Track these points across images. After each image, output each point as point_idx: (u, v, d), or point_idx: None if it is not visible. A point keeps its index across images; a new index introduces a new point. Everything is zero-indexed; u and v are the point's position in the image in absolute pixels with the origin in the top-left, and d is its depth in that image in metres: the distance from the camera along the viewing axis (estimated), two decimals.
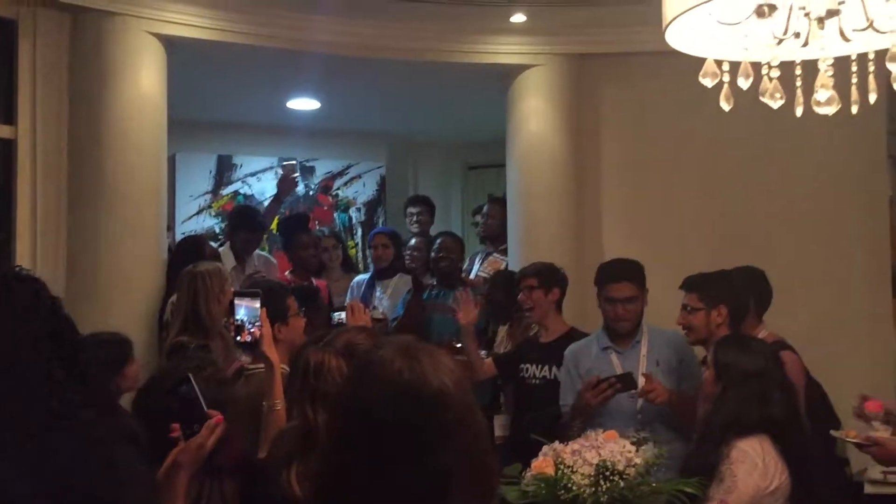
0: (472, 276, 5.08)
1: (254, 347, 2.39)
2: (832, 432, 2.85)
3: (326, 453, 1.22)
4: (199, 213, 6.38)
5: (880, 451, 2.69)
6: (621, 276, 3.31)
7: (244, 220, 4.81)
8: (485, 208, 5.39)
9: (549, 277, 3.72)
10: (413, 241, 5.15)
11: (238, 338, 2.39)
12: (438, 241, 4.73)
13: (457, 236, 4.93)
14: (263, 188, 6.57)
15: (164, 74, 4.15)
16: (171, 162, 5.65)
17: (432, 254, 4.70)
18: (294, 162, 4.86)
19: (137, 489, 1.36)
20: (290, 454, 1.71)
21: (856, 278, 4.35)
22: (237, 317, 2.36)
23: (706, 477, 2.39)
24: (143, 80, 4.05)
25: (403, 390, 1.14)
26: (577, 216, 4.77)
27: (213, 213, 6.42)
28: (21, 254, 3.76)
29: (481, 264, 5.23)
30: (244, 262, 4.61)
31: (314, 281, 4.73)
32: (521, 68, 4.76)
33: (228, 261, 4.39)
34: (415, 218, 5.49)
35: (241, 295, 2.46)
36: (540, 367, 3.65)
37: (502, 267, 4.85)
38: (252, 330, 2.34)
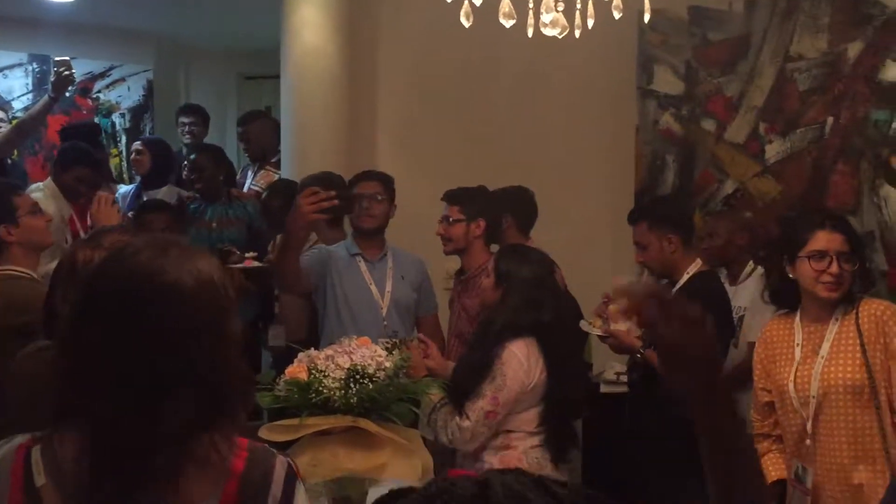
0: (245, 188, 4.98)
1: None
2: (582, 323, 3.15)
3: (61, 348, 1.21)
4: None
5: (615, 343, 3.04)
6: (372, 175, 3.49)
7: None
8: (239, 130, 5.21)
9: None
10: (185, 150, 4.98)
11: None
12: (192, 157, 4.55)
13: (213, 149, 4.75)
14: (11, 86, 5.97)
15: None
16: None
17: (188, 173, 4.51)
18: (67, 58, 4.40)
19: None
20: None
21: (603, 203, 4.70)
22: None
23: (479, 376, 2.61)
24: None
25: (137, 275, 1.14)
26: (350, 130, 4.76)
27: None
28: None
29: (254, 177, 5.13)
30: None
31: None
32: None
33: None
34: (187, 128, 5.26)
35: None
36: None
37: (275, 178, 4.80)
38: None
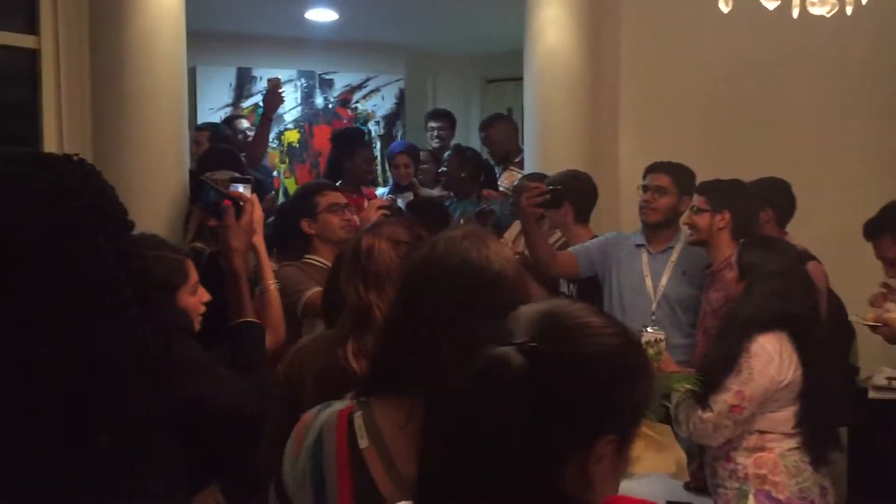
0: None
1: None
2: (851, 316, 2.94)
3: (389, 324, 1.35)
4: None
5: (888, 331, 2.80)
6: (660, 168, 3.42)
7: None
8: (482, 134, 5.31)
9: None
10: (422, 155, 5.24)
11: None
12: (445, 155, 4.79)
13: (464, 150, 4.95)
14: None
15: None
16: (192, 74, 5.68)
17: (441, 167, 4.75)
18: (279, 77, 4.83)
19: (196, 374, 1.48)
20: (345, 333, 1.81)
21: (871, 195, 4.35)
22: None
23: (724, 369, 2.53)
24: None
25: (469, 268, 1.27)
26: (593, 129, 4.77)
27: None
28: None
29: (499, 178, 5.29)
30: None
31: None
32: None
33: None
34: (435, 132, 5.54)
35: (237, 181, 2.34)
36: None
37: (518, 179, 4.91)
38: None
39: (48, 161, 1.31)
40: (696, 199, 3.31)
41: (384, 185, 5.83)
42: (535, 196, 3.19)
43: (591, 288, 3.54)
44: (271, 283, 2.22)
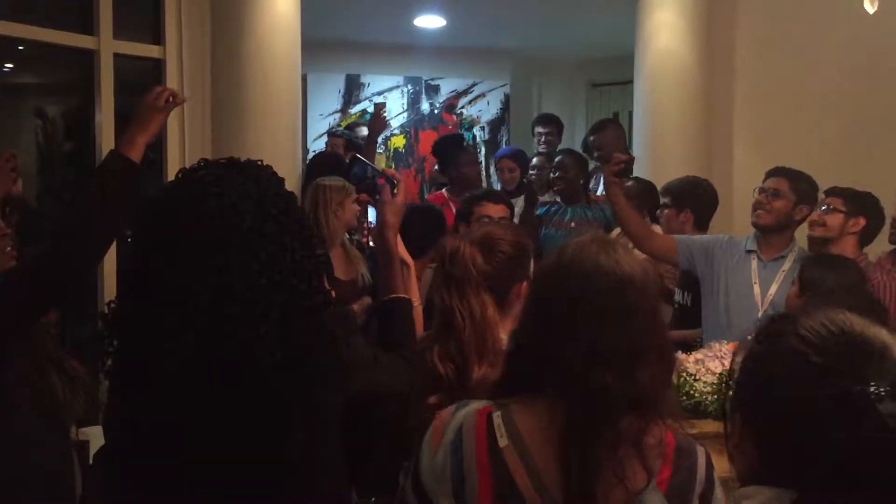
0: (597, 193, 5.08)
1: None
2: None
3: (522, 326, 1.38)
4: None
5: None
6: (779, 172, 3.29)
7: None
8: (591, 139, 5.14)
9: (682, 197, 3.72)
10: (535, 160, 5.18)
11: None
12: (557, 159, 4.74)
13: (577, 154, 4.91)
14: (390, 107, 6.69)
15: None
16: (303, 81, 5.83)
17: (552, 172, 4.71)
18: (384, 102, 4.92)
19: (363, 368, 1.54)
20: (430, 337, 1.84)
21: None
22: (371, 219, 2.41)
23: None
24: (279, 0, 4.20)
25: (599, 270, 1.31)
26: (706, 133, 4.66)
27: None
28: (170, 172, 4.03)
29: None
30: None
31: None
32: None
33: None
34: (543, 137, 5.49)
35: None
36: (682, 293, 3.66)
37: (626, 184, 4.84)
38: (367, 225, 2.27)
39: (246, 168, 1.35)
40: (831, 199, 3.24)
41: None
42: (615, 165, 3.28)
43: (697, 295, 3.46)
44: (417, 303, 2.25)
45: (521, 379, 1.33)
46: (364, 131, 5.47)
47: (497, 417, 1.30)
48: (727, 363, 2.20)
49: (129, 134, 1.90)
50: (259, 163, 1.38)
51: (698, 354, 2.25)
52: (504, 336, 1.74)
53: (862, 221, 3.17)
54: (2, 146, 3.47)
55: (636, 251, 3.09)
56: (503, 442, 1.27)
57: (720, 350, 2.24)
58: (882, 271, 3.14)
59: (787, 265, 3.18)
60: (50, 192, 4.33)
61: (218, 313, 1.21)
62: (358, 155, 1.91)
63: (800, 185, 3.22)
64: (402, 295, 1.82)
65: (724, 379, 2.14)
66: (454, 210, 4.17)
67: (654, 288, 1.35)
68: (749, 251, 3.25)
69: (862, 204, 3.22)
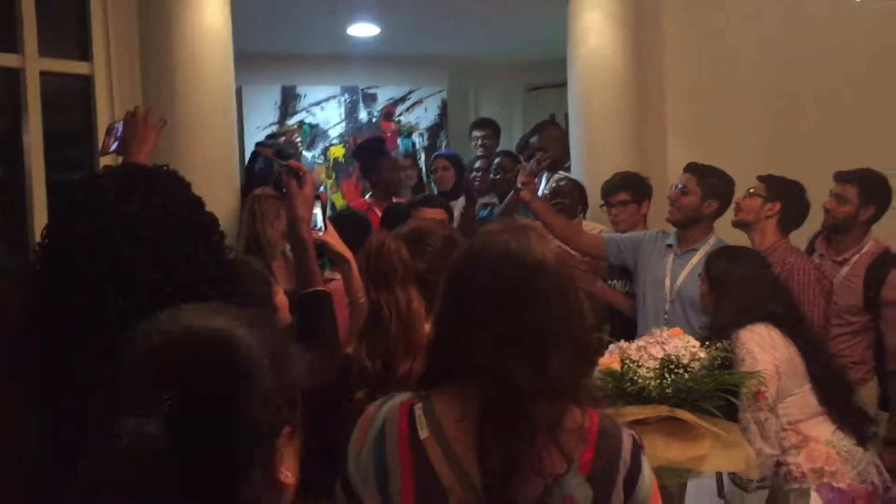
0: (538, 193, 5.12)
1: (321, 249, 2.29)
2: None
3: (438, 318, 1.36)
4: None
5: None
6: (687, 168, 3.45)
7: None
8: (532, 140, 5.23)
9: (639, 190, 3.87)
10: (477, 162, 5.22)
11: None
12: (496, 161, 4.79)
13: (515, 155, 4.96)
14: (327, 117, 6.68)
15: (228, 5, 4.23)
16: (239, 94, 5.77)
17: (490, 174, 4.76)
18: (294, 127, 4.93)
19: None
20: (361, 333, 1.84)
21: None
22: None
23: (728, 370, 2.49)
24: (209, 11, 4.14)
25: (508, 256, 1.29)
26: (639, 133, 4.74)
27: None
28: None
29: (546, 183, 5.27)
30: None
31: (394, 201, 4.79)
32: None
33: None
34: (480, 141, 5.54)
35: (281, 156, 2.35)
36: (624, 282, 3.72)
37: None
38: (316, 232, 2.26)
39: (150, 175, 1.33)
40: (756, 186, 3.38)
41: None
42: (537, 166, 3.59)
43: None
44: (361, 298, 2.23)
45: (441, 370, 1.32)
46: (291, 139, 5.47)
47: (418, 409, 1.29)
48: (668, 348, 2.24)
49: (128, 155, 1.94)
50: (165, 167, 1.36)
51: (640, 342, 2.29)
52: None
53: (777, 206, 3.29)
54: None
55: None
56: (423, 434, 1.27)
57: (661, 336, 2.28)
58: (798, 255, 3.25)
59: (696, 258, 3.30)
60: None
61: (125, 325, 1.20)
62: (259, 149, 1.88)
63: (707, 181, 3.33)
64: (319, 288, 1.82)
65: (665, 364, 2.18)
66: (378, 214, 4.20)
67: (570, 274, 1.33)
68: (668, 245, 3.37)
69: (781, 190, 3.33)
